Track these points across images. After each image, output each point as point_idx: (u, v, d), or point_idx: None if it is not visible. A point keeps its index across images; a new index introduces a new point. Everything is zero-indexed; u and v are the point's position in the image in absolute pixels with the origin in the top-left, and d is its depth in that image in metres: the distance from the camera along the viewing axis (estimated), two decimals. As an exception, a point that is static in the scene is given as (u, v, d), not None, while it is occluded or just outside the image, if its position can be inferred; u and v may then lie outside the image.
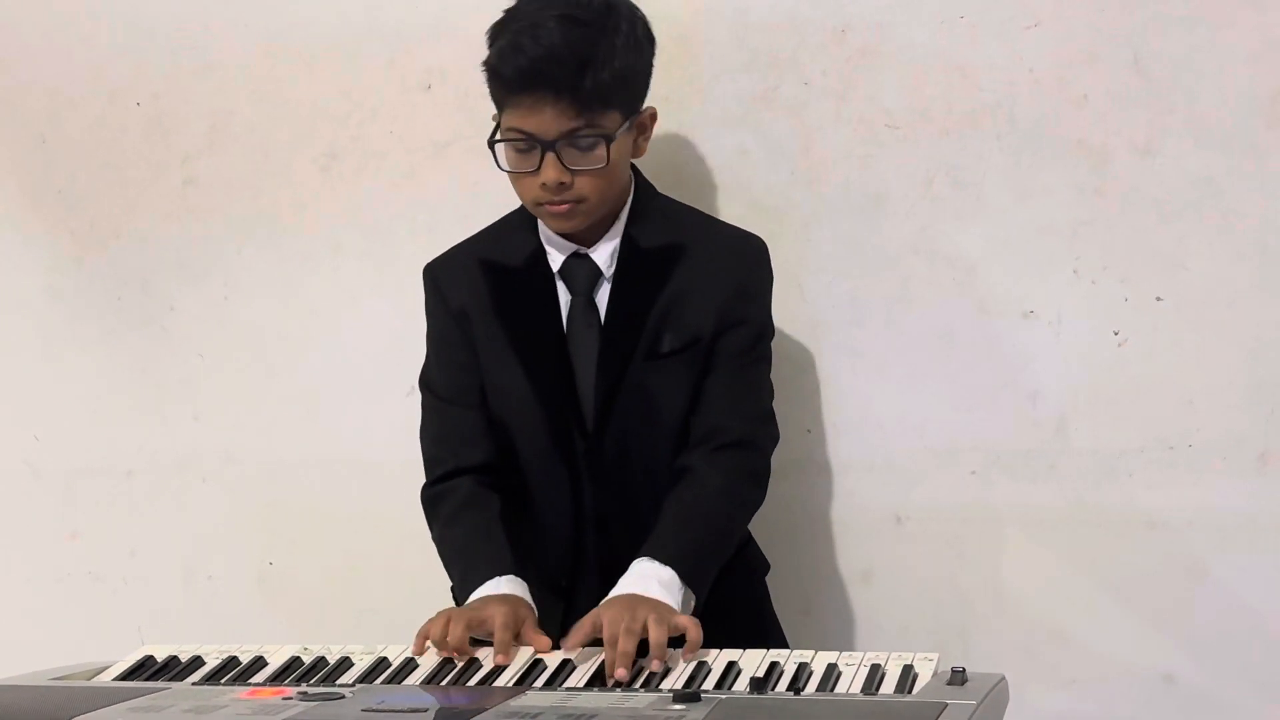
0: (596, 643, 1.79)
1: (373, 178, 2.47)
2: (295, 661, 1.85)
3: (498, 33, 1.97)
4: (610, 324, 2.01)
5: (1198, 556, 2.16)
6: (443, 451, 2.07)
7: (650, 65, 2.03)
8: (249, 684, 1.78)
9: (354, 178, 2.48)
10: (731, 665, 1.72)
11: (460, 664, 1.80)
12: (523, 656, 1.82)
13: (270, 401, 2.55)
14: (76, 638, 2.49)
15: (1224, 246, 2.12)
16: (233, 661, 1.86)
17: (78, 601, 2.68)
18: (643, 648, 1.75)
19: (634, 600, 1.82)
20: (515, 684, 1.74)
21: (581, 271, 2.03)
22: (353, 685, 1.75)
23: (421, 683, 1.77)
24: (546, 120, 1.92)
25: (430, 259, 2.13)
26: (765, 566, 2.15)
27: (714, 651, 1.77)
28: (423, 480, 2.09)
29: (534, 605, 1.92)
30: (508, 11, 1.98)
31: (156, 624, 2.59)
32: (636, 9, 2.01)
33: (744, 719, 1.55)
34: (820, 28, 2.24)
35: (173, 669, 1.86)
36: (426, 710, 1.63)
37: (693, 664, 1.74)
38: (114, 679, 1.85)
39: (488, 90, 1.99)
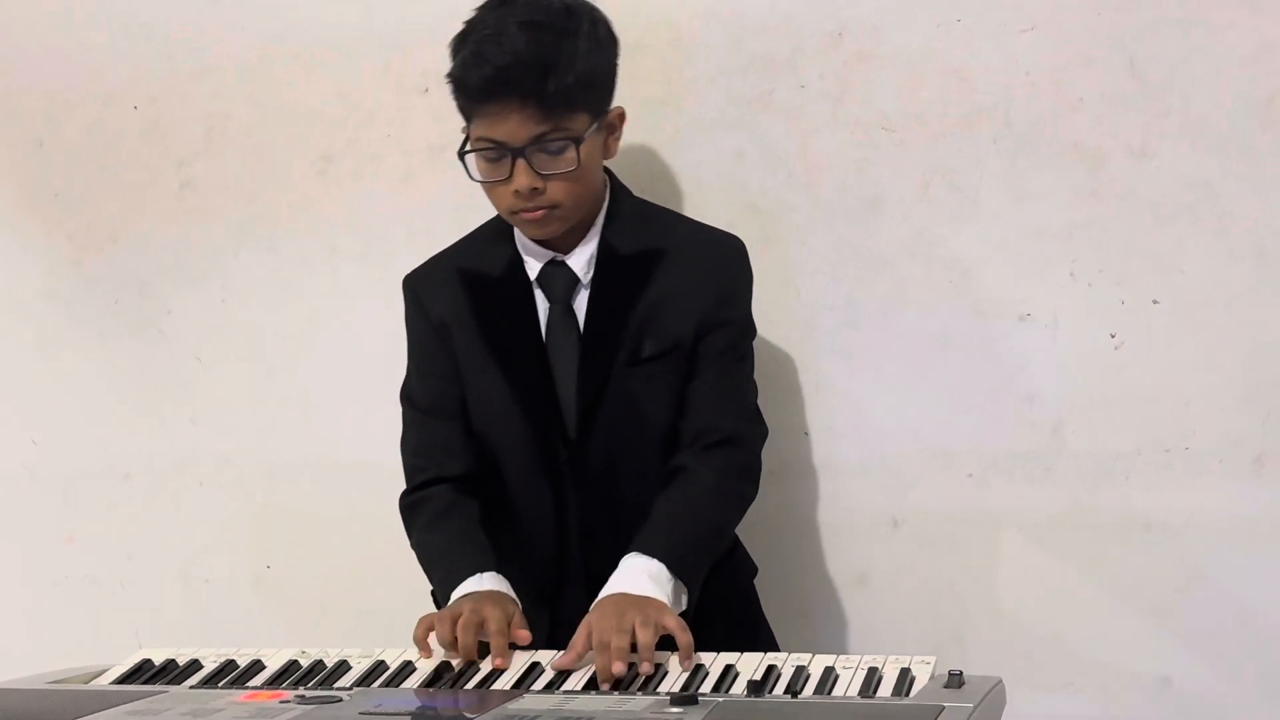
0: None
1: (370, 180, 2.47)
2: (293, 664, 1.85)
3: (460, 44, 1.96)
4: (590, 331, 2.01)
5: (1194, 559, 2.16)
6: (422, 462, 2.07)
7: (615, 65, 2.02)
8: (246, 687, 1.79)
9: (351, 180, 2.48)
10: (729, 668, 1.72)
11: (458, 667, 1.81)
12: (521, 659, 1.82)
13: (268, 404, 2.55)
14: (74, 641, 2.48)
15: (1220, 249, 2.12)
16: (230, 664, 1.86)
17: (75, 604, 2.68)
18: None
19: (621, 603, 1.82)
20: (513, 687, 1.74)
21: (559, 279, 2.03)
22: (350, 688, 1.75)
23: (419, 686, 1.77)
24: (514, 127, 1.91)
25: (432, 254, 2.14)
26: (753, 570, 2.14)
27: (711, 654, 1.77)
28: None
29: (519, 601, 1.93)
30: (468, 22, 1.97)
31: (154, 627, 2.59)
32: (596, 9, 2.00)
33: (741, 722, 1.55)
34: (816, 31, 2.24)
35: (170, 672, 1.86)
36: (424, 713, 1.63)
37: (690, 667, 1.74)
38: (111, 682, 1.85)
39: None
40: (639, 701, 1.62)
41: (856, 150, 2.24)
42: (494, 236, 2.08)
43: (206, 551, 2.61)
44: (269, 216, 2.52)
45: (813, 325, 2.28)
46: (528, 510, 2.05)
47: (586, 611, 1.84)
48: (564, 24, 1.93)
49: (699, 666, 1.74)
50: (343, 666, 1.84)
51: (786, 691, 1.65)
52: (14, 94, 2.63)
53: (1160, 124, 2.12)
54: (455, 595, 1.93)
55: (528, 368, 2.02)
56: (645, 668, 1.73)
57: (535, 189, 1.94)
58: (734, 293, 2.06)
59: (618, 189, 2.08)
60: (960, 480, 2.24)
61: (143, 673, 1.87)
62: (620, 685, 1.71)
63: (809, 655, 1.74)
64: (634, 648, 1.74)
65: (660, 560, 1.88)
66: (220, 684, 1.81)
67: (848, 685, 1.65)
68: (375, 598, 2.47)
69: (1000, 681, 1.65)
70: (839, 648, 2.27)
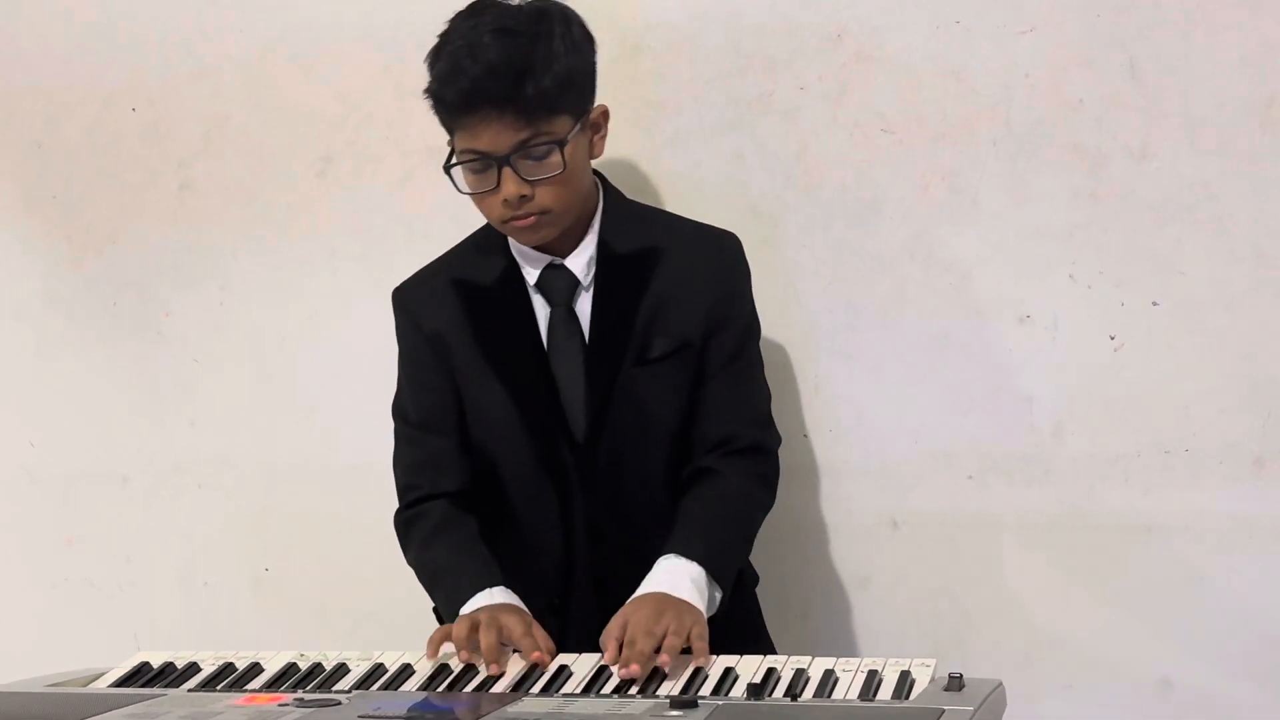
0: None
1: (369, 182, 2.46)
2: (291, 667, 1.85)
3: (435, 58, 1.96)
4: (596, 332, 2.00)
5: (1194, 561, 2.16)
6: (416, 478, 2.06)
7: (593, 64, 2.01)
8: (245, 690, 1.79)
9: (350, 182, 2.48)
10: (729, 671, 1.72)
11: (456, 670, 1.81)
12: (518, 662, 1.82)
13: (266, 406, 2.55)
14: (72, 644, 2.48)
15: (1220, 251, 2.12)
16: (229, 668, 1.86)
17: (74, 607, 2.67)
18: None
19: (662, 603, 1.82)
20: (512, 690, 1.74)
21: (559, 282, 2.02)
22: (349, 691, 1.75)
23: (418, 689, 1.77)
24: (496, 136, 1.91)
25: (422, 266, 2.13)
26: (755, 579, 2.14)
27: (711, 658, 1.77)
28: None
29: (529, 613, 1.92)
30: (441, 35, 1.96)
31: (152, 630, 2.59)
32: (569, 10, 1.99)
33: (740, 725, 1.55)
34: (816, 32, 2.24)
35: (169, 675, 1.86)
36: (423, 716, 1.63)
37: (690, 670, 1.74)
38: (110, 685, 1.85)
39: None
40: (639, 705, 1.61)
41: (856, 152, 2.24)
42: (486, 245, 2.07)
43: (205, 554, 2.61)
44: (268, 218, 2.52)
45: (812, 327, 2.28)
46: (532, 518, 2.04)
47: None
48: (536, 28, 1.92)
49: (698, 669, 1.74)
50: (341, 669, 1.83)
51: (786, 694, 1.65)
52: (12, 95, 2.62)
53: (1160, 125, 2.12)
54: (468, 609, 1.91)
55: (530, 373, 2.01)
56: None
57: (523, 196, 1.93)
58: (737, 289, 2.06)
59: (610, 192, 2.08)
60: (960, 482, 2.24)
61: (141, 675, 1.87)
62: (620, 686, 1.72)
63: (808, 658, 1.74)
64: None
65: (700, 564, 1.89)
66: (219, 687, 1.81)
67: (847, 688, 1.65)
68: (374, 600, 2.47)
69: (1000, 684, 1.65)
70: (839, 650, 2.27)
